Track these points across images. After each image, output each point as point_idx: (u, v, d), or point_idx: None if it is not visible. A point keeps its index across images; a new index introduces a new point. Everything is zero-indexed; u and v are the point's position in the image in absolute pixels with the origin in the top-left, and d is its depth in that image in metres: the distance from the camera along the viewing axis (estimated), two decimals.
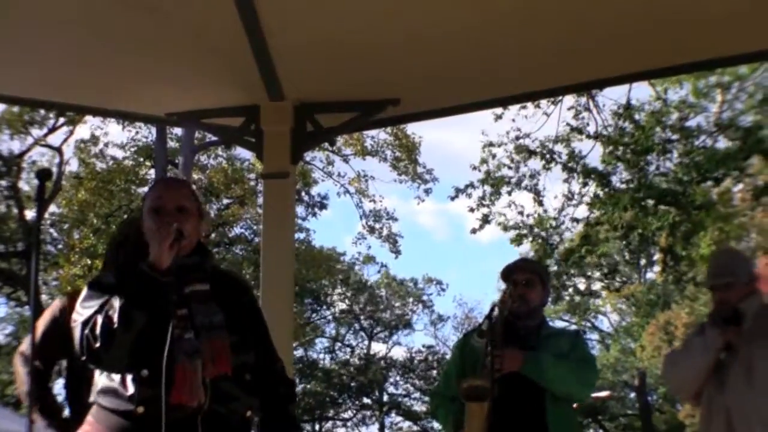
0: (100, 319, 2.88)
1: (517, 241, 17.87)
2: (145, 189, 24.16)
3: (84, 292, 3.07)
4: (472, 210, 17.39)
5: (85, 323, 2.92)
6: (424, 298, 39.08)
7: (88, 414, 3.12)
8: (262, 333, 3.36)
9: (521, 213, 18.02)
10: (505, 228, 18.02)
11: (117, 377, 3.00)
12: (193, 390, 2.93)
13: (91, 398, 3.11)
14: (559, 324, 31.35)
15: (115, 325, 2.85)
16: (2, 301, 27.79)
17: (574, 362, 4.29)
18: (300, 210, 26.37)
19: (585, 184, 16.69)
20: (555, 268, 18.51)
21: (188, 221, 3.12)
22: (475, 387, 4.08)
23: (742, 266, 4.62)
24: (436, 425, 27.30)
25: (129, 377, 2.96)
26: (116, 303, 2.88)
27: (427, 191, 25.38)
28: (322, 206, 27.78)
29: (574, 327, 30.84)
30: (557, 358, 4.25)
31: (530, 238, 18.17)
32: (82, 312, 2.97)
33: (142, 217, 3.19)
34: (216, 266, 3.37)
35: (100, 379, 3.07)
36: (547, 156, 17.21)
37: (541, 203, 17.57)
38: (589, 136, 16.85)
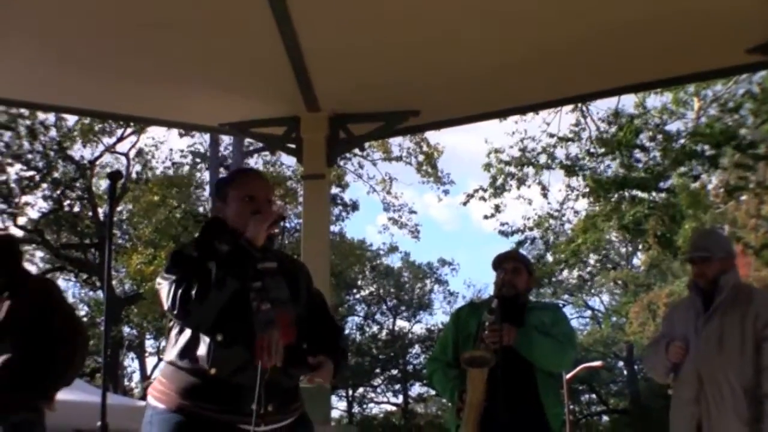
0: (195, 281, 2.77)
1: (521, 246, 17.87)
2: (199, 190, 24.38)
3: (167, 261, 2.97)
4: (484, 200, 17.44)
5: (177, 282, 2.80)
6: (440, 278, 39.05)
7: (160, 374, 3.01)
8: (319, 301, 3.26)
9: (530, 203, 18.09)
10: (507, 234, 18.10)
11: (193, 339, 2.87)
12: (271, 355, 2.81)
13: (167, 357, 2.96)
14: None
15: (211, 287, 2.75)
16: (78, 286, 28.12)
17: (557, 341, 4.33)
18: (336, 210, 26.55)
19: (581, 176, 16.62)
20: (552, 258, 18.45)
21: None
22: (476, 356, 4.19)
23: (718, 243, 4.57)
24: None
25: (206, 340, 2.84)
26: (213, 268, 2.78)
27: (446, 192, 25.58)
28: (354, 207, 28.12)
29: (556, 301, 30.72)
30: (543, 336, 4.31)
31: (529, 242, 18.28)
32: (167, 276, 2.85)
33: (227, 201, 3.09)
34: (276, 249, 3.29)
35: (180, 340, 2.91)
36: (548, 159, 17.21)
37: (545, 195, 17.58)
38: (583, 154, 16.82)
